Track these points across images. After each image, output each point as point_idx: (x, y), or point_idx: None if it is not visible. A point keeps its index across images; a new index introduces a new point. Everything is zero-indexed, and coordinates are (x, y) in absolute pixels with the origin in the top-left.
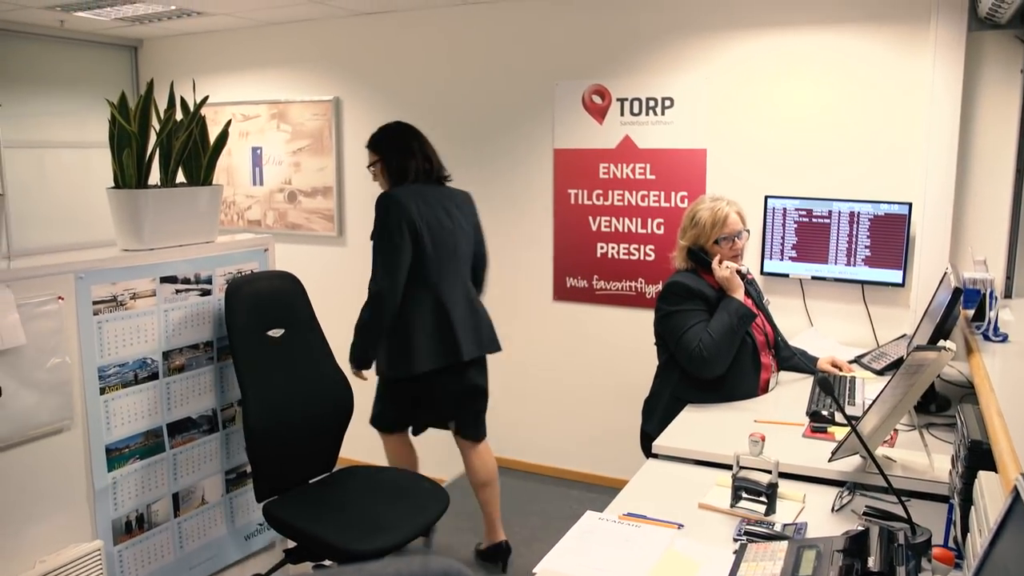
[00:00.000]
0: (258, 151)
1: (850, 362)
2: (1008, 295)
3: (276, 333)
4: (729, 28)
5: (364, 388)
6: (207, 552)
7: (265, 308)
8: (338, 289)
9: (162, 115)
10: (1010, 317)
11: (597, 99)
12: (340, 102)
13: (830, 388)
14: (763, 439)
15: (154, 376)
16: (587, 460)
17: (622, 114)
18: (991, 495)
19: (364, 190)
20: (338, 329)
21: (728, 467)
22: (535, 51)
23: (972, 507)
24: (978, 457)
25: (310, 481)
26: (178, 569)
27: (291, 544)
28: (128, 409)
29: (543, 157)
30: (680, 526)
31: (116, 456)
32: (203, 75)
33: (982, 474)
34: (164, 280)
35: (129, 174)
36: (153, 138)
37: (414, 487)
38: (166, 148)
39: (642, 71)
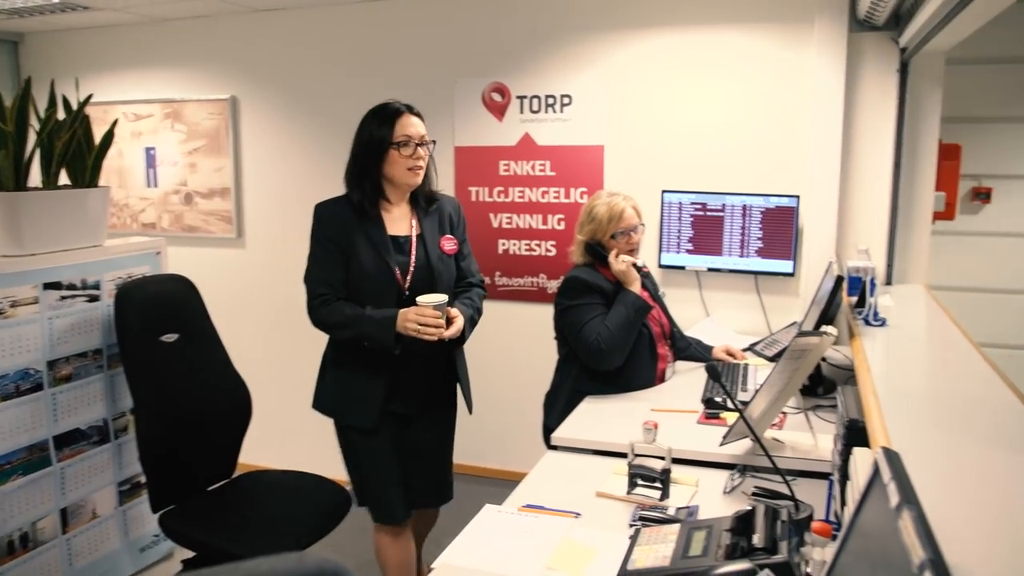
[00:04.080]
0: (152, 152)
1: (744, 350)
2: (889, 282)
3: (170, 338)
4: (625, 27)
5: (263, 391)
6: (99, 568)
7: (157, 313)
8: (238, 291)
9: (42, 114)
10: (890, 303)
11: (497, 97)
12: (237, 101)
13: (718, 375)
14: (656, 427)
15: (38, 387)
16: (492, 456)
17: (521, 112)
18: (863, 469)
19: (264, 191)
20: (238, 331)
21: (625, 456)
22: (435, 49)
23: (848, 482)
24: (854, 435)
25: (209, 488)
26: None
27: (189, 554)
28: (8, 423)
29: (444, 155)
30: (578, 515)
31: None
32: (91, 72)
33: (856, 450)
34: (48, 286)
35: (6, 176)
36: (33, 138)
37: (317, 488)
38: (47, 149)
39: (541, 69)
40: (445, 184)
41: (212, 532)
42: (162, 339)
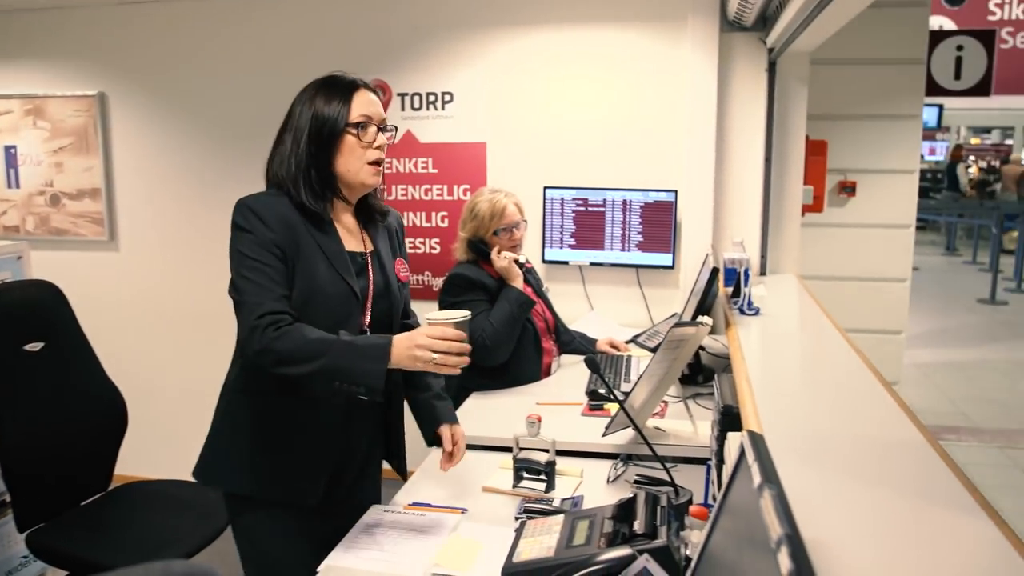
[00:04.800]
0: (12, 150)
1: (627, 342)
2: (763, 272)
3: (34, 347)
4: (506, 24)
5: (141, 399)
6: None
7: (20, 320)
8: (112, 296)
9: None
10: (764, 292)
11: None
12: (105, 97)
13: (597, 367)
14: (539, 420)
15: None
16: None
17: (403, 109)
18: (736, 453)
19: (139, 192)
20: (113, 337)
21: (511, 450)
22: (314, 45)
23: (724, 466)
24: (729, 420)
25: (83, 503)
26: None
27: (64, 574)
28: None
29: None
30: (464, 510)
31: None
32: None
33: (730, 435)
34: None
35: None
36: None
37: (199, 497)
38: None
39: (422, 66)
40: None
41: (87, 548)
42: (25, 348)
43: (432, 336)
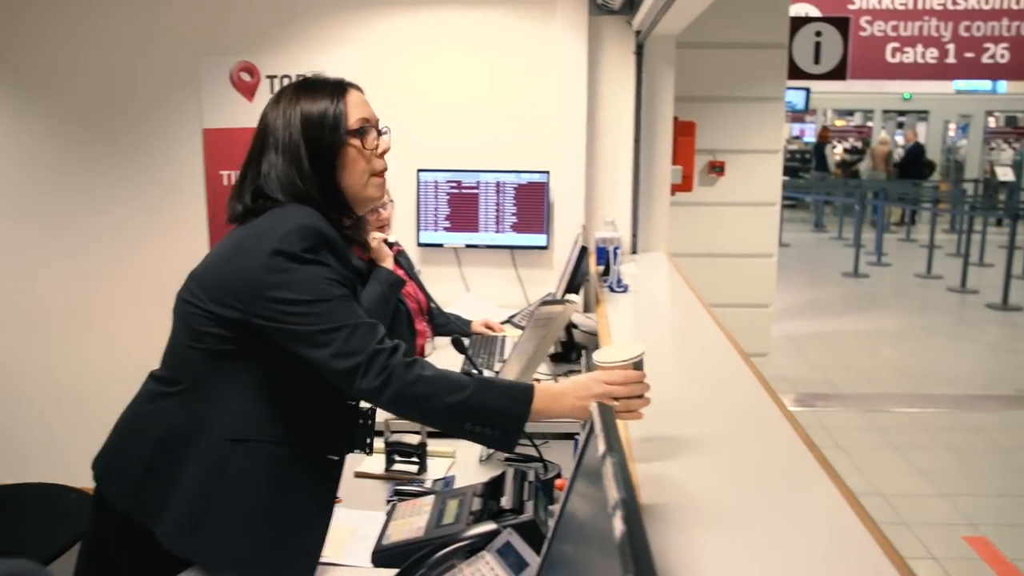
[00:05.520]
0: None
1: (502, 323)
2: (635, 251)
3: None
4: (376, 5)
5: None
6: None
7: None
8: None
9: None
10: (634, 270)
11: (246, 76)
12: None
13: (463, 347)
14: None
15: None
16: None
17: (272, 91)
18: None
19: None
20: None
21: (383, 434)
22: (176, 24)
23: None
24: None
25: None
26: None
27: None
28: None
29: (192, 138)
30: (339, 499)
31: None
32: None
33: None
34: None
35: None
36: None
37: (56, 499)
38: None
39: (291, 48)
40: (194, 168)
41: None
42: None
43: (612, 382)
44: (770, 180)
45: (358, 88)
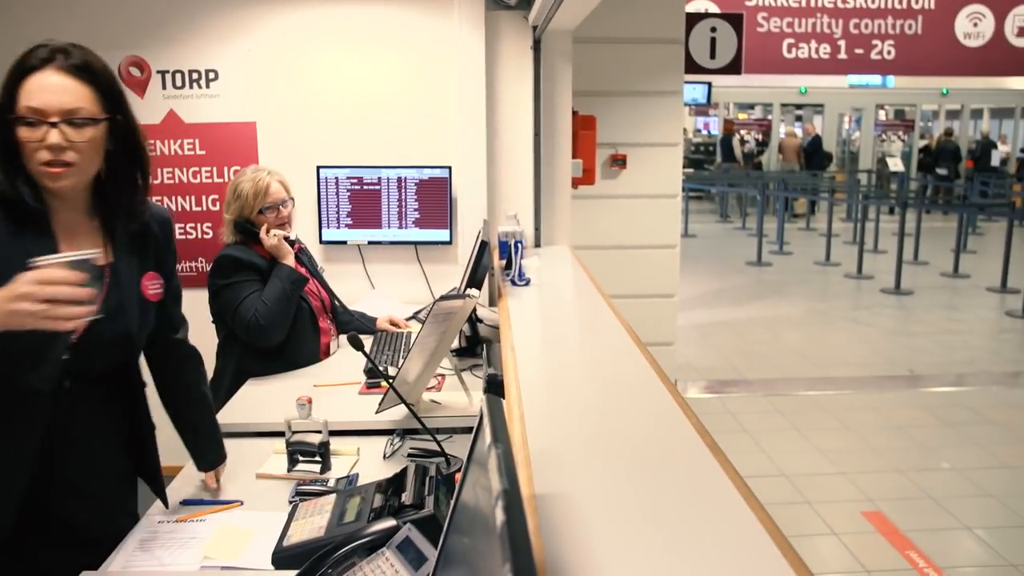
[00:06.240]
0: None
1: (408, 319)
2: (538, 244)
3: None
4: None
5: None
6: None
7: None
8: None
9: None
10: (538, 264)
11: (136, 71)
12: None
13: (360, 344)
14: (311, 401)
15: None
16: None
17: (164, 87)
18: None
19: None
20: None
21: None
22: (61, 18)
23: None
24: (494, 388)
25: None
26: None
27: None
28: None
29: None
30: (241, 503)
31: None
32: None
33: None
34: None
35: None
36: None
37: None
38: None
39: (182, 42)
40: None
41: None
42: None
43: (39, 281)
44: (671, 172)
45: (73, 66)
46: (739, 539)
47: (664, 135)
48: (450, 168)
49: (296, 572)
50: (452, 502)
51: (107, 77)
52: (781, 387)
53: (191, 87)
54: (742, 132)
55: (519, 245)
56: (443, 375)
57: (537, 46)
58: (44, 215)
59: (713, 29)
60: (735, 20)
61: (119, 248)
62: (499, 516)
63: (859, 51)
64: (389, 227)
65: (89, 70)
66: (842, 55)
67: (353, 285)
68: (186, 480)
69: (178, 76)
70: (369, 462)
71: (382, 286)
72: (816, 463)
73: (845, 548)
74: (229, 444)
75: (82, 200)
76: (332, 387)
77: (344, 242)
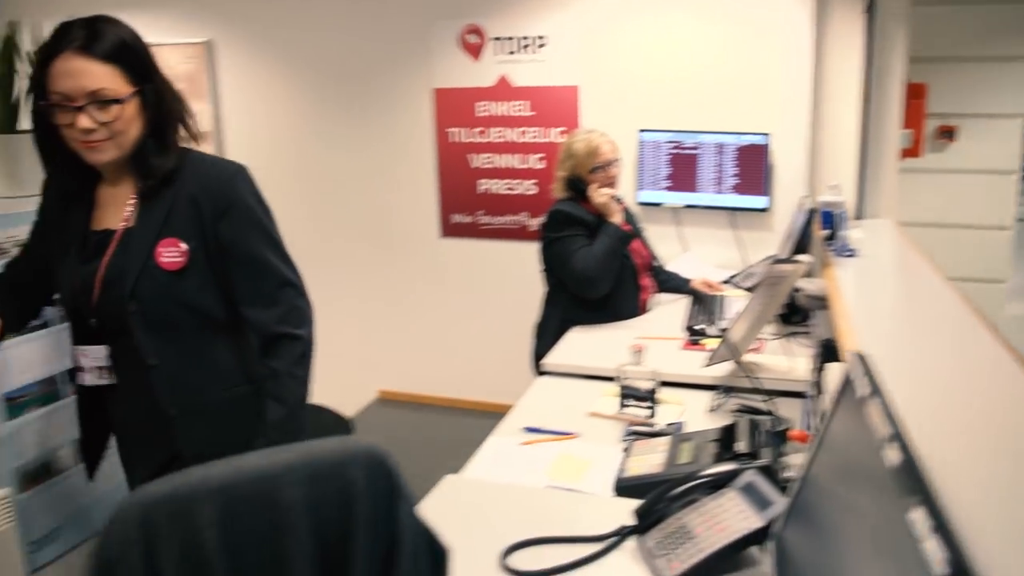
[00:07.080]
0: None
1: (722, 282)
2: (859, 217)
3: None
4: None
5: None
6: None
7: None
8: None
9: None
10: (860, 235)
11: (473, 38)
12: (213, 44)
13: (701, 299)
14: (642, 349)
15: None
16: (480, 388)
17: (497, 53)
18: (835, 382)
19: (244, 134)
20: None
21: (613, 380)
22: None
23: (822, 396)
24: (827, 352)
25: None
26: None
27: None
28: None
29: (422, 97)
30: (577, 435)
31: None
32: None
33: (829, 366)
34: None
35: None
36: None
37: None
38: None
39: (515, 10)
40: (424, 125)
41: None
42: None
43: None
44: (1008, 147)
45: (91, 48)
46: None
47: (1003, 105)
48: (768, 135)
49: (641, 501)
50: (807, 461)
51: (129, 50)
52: None
53: (521, 52)
54: None
55: (844, 216)
56: (763, 339)
57: (871, 8)
58: (84, 186)
59: None
60: None
61: (143, 212)
62: (892, 457)
63: None
64: (706, 191)
65: (109, 47)
66: None
67: (666, 246)
68: (523, 412)
69: (510, 42)
70: (693, 413)
71: (694, 249)
72: None
73: None
74: (560, 384)
75: (126, 167)
76: (654, 340)
77: (660, 204)
